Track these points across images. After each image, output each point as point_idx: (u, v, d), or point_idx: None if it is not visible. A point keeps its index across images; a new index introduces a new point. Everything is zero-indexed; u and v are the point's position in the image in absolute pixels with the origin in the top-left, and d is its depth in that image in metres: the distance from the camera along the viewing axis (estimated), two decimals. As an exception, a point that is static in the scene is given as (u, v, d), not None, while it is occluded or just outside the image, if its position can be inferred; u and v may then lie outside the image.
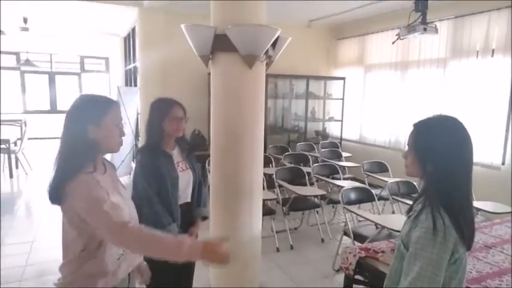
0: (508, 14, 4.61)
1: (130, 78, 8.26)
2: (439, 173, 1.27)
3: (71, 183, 1.36)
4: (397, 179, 4.17)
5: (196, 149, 6.03)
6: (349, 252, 2.40)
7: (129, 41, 7.99)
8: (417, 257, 1.21)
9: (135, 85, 7.66)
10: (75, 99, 1.49)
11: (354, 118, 7.22)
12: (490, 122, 4.85)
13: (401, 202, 3.93)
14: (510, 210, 3.46)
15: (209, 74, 6.26)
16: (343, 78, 7.23)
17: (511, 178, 4.47)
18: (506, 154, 4.70)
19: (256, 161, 2.95)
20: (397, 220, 3.13)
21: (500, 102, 4.73)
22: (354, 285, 2.48)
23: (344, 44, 7.53)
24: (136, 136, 6.87)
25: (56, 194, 1.39)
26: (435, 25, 3.91)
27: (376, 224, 3.56)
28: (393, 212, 3.88)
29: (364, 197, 3.79)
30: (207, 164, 4.99)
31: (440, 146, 1.28)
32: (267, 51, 2.89)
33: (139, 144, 6.52)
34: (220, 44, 2.79)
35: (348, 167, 5.47)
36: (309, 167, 5.31)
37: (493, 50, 4.79)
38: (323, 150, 6.04)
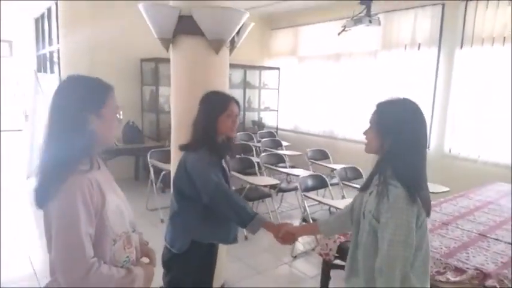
0: (432, 11, 5.06)
1: (44, 64, 7.36)
2: (399, 148, 1.38)
3: (60, 185, 1.14)
4: (344, 165, 4.35)
5: (133, 142, 5.68)
6: (329, 238, 2.42)
7: (43, 22, 7.10)
8: (388, 225, 1.32)
9: (51, 72, 6.86)
10: (62, 83, 1.26)
11: (289, 108, 7.38)
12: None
13: (350, 186, 4.13)
14: (446, 190, 3.82)
15: (142, 60, 6.02)
16: (278, 68, 7.33)
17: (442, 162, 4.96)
18: (431, 139, 5.20)
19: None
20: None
21: (427, 91, 5.20)
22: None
23: (278, 34, 7.61)
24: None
25: (45, 196, 1.16)
26: (378, 17, 4.13)
27: (330, 209, 3.71)
28: (343, 197, 4.05)
29: (318, 184, 3.89)
30: (148, 157, 4.69)
31: (401, 125, 1.39)
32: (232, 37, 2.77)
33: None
34: (185, 26, 2.59)
35: (292, 155, 5.57)
36: (252, 156, 5.29)
37: (419, 44, 5.23)
38: (264, 140, 6.05)
